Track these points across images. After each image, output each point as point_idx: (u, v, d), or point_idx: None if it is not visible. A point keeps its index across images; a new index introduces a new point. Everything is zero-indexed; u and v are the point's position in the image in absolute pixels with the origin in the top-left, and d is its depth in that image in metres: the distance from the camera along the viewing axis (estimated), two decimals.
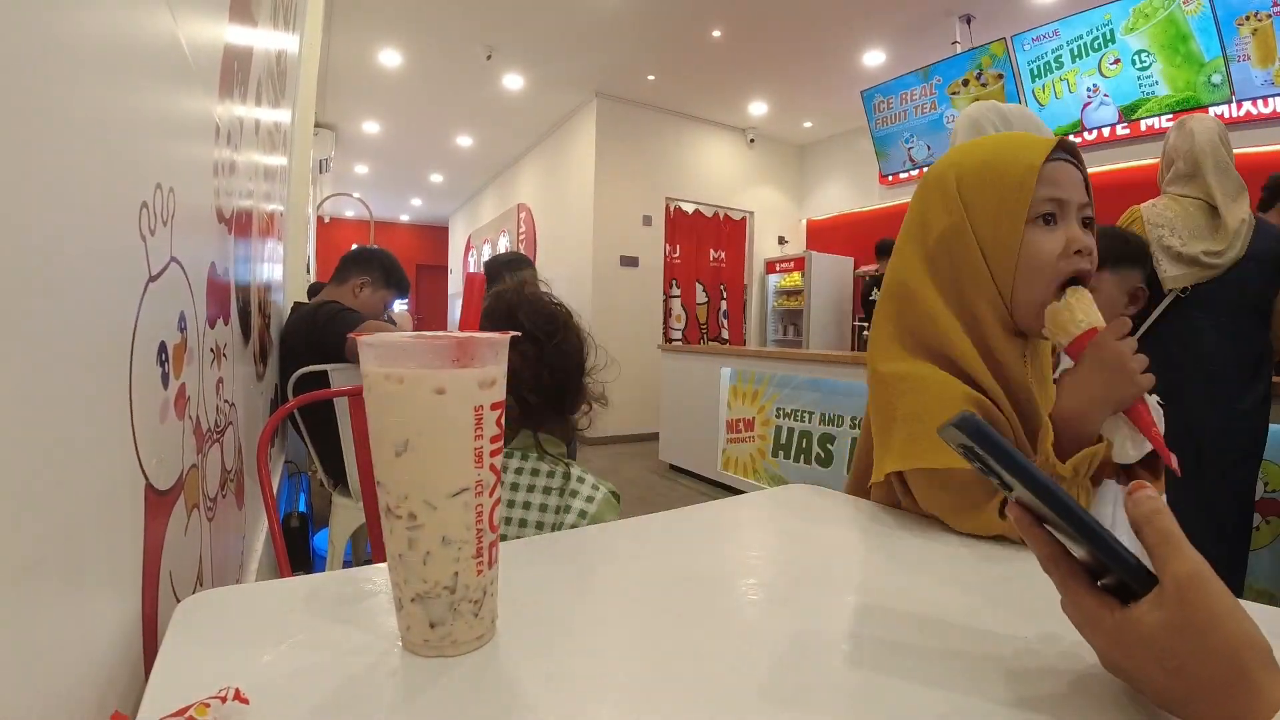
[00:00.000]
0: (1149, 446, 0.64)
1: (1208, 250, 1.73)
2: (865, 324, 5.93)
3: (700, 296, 6.88)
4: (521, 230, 7.90)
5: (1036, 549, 0.40)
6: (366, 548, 1.95)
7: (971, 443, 0.37)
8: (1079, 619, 0.39)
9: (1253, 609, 0.50)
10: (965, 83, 4.88)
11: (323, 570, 1.63)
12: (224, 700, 0.34)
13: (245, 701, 0.35)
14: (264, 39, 1.34)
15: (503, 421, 0.46)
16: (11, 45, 0.30)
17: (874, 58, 5.23)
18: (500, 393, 0.46)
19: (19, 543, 0.31)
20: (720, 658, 0.45)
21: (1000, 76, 4.69)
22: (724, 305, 7.02)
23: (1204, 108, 3.88)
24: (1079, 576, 0.39)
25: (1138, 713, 0.38)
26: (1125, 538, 0.38)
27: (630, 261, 6.26)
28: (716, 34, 4.86)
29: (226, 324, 0.95)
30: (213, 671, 0.40)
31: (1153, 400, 0.67)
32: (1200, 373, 1.74)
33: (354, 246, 2.36)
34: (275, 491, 1.64)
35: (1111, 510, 0.69)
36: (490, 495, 0.45)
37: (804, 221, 7.40)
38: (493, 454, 0.45)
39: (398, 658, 0.44)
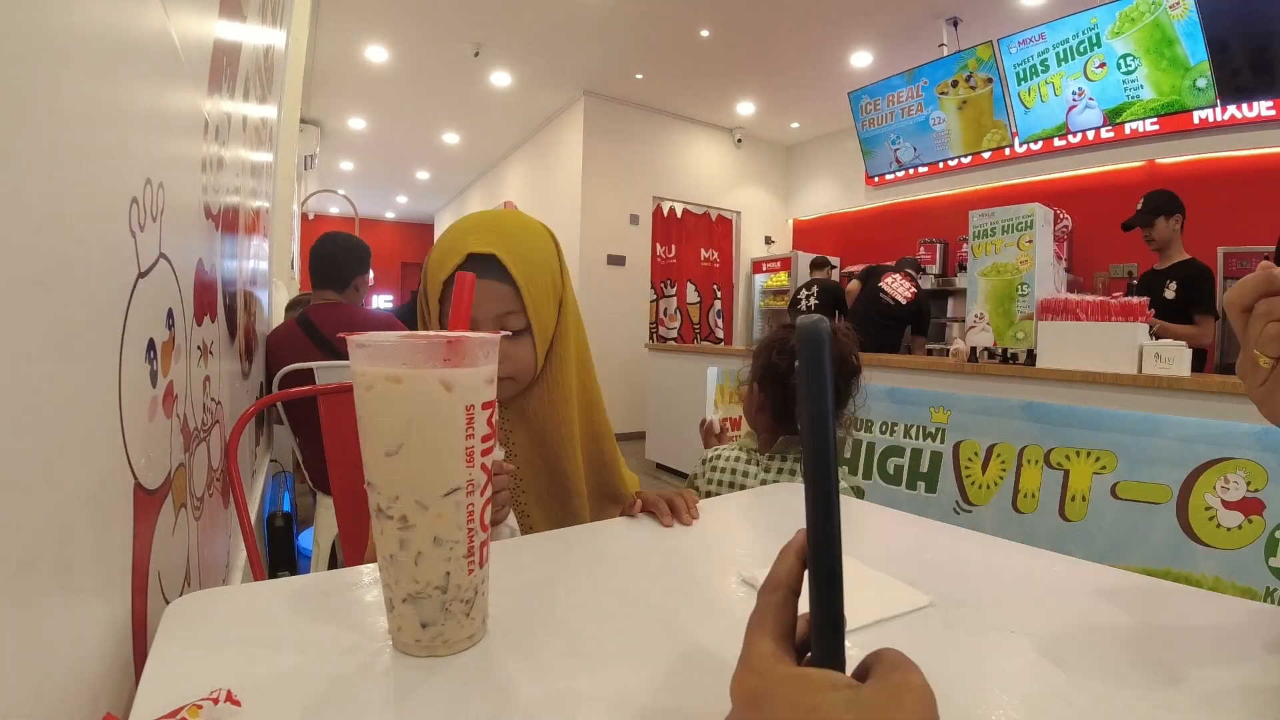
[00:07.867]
0: None
1: None
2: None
3: (692, 296, 6.88)
4: None
5: (775, 565, 0.33)
6: None
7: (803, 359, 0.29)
8: (746, 647, 0.32)
9: (1240, 605, 0.52)
10: (953, 84, 4.92)
11: (307, 570, 1.62)
12: (216, 702, 0.34)
13: (237, 704, 0.35)
14: (253, 34, 1.33)
15: (494, 421, 0.46)
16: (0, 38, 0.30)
17: (861, 59, 5.25)
18: (491, 392, 0.46)
19: (10, 543, 0.31)
20: (710, 656, 0.45)
21: (987, 80, 4.73)
22: (718, 305, 7.02)
23: (1188, 112, 3.93)
24: (785, 611, 0.32)
25: None
26: None
27: (617, 260, 6.25)
28: (705, 34, 4.87)
29: (213, 321, 0.94)
30: (203, 673, 0.39)
31: None
32: None
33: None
34: (263, 491, 1.63)
35: None
36: (481, 495, 0.45)
37: (790, 222, 7.42)
38: (484, 453, 0.45)
39: (389, 658, 0.44)
